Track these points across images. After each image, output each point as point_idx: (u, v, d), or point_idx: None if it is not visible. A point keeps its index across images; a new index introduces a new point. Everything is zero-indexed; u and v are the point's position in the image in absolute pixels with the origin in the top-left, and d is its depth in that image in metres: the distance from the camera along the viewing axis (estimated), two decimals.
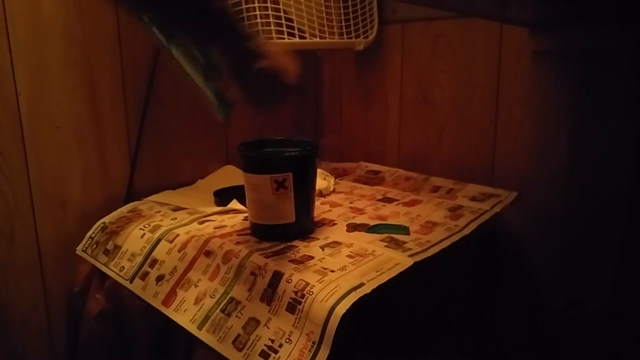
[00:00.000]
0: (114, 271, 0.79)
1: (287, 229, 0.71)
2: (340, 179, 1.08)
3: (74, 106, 0.89)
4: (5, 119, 0.81)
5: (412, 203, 0.89)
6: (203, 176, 1.09)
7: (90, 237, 0.87)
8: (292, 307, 0.57)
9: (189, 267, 0.71)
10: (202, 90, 0.58)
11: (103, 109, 0.92)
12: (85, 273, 0.86)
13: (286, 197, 0.68)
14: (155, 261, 0.75)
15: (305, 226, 0.74)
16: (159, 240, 0.77)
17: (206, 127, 1.09)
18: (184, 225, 0.80)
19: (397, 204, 0.89)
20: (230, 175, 1.08)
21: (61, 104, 0.87)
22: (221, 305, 0.63)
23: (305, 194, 0.71)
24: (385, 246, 0.69)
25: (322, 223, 0.79)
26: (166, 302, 0.69)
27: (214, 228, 0.77)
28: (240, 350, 0.57)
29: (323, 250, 0.68)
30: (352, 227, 0.77)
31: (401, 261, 0.64)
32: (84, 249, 0.86)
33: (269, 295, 0.60)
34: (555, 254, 0.92)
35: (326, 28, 0.98)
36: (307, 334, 0.54)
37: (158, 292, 0.71)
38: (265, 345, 0.56)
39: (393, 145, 1.17)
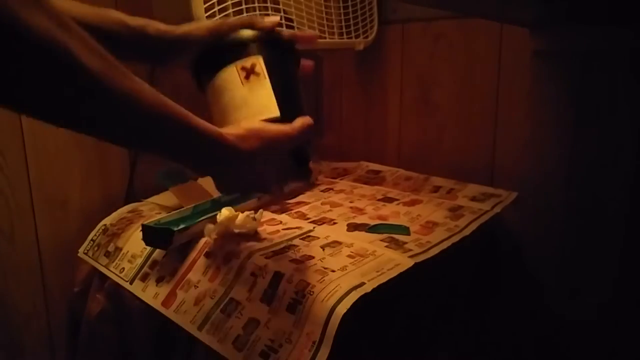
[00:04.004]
0: (114, 273, 0.79)
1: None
2: (341, 179, 1.08)
3: None
4: (5, 119, 0.81)
5: (412, 203, 0.89)
6: (203, 176, 1.09)
7: (91, 239, 0.87)
8: (293, 307, 0.57)
9: (189, 268, 0.71)
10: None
11: None
12: (85, 273, 0.86)
13: (260, 85, 0.54)
14: (155, 262, 0.75)
15: None
16: None
17: None
18: None
19: (398, 204, 0.89)
20: None
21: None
22: (221, 306, 0.63)
23: (285, 81, 0.57)
24: (386, 246, 0.69)
25: (323, 222, 0.79)
26: (166, 303, 0.69)
27: None
28: (240, 350, 0.57)
29: (323, 250, 0.68)
30: (353, 227, 0.77)
31: (401, 262, 0.64)
32: (86, 251, 0.86)
33: (269, 296, 0.60)
34: (556, 254, 0.92)
35: (326, 28, 0.98)
36: (307, 334, 0.54)
37: (158, 293, 0.71)
38: (265, 345, 0.56)
39: (393, 145, 1.17)
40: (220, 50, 0.55)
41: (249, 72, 0.54)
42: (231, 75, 0.54)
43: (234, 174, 0.51)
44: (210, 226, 0.70)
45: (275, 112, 0.53)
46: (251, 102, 0.53)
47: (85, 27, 0.49)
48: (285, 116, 0.53)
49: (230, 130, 0.48)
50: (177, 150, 0.45)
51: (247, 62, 0.54)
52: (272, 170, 0.52)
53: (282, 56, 0.57)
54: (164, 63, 0.59)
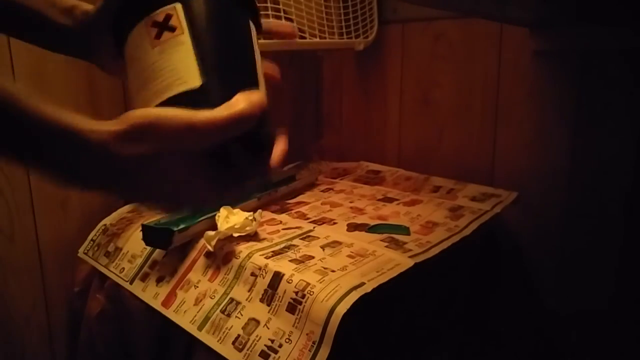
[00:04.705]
0: (114, 273, 0.79)
1: (191, 101, 0.33)
2: (341, 179, 1.08)
3: (73, 106, 0.89)
4: None
5: (412, 203, 0.89)
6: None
7: (92, 239, 0.87)
8: (293, 307, 0.57)
9: (189, 268, 0.71)
10: None
11: (103, 109, 0.93)
12: (85, 273, 0.86)
13: (176, 44, 0.35)
14: (155, 262, 0.75)
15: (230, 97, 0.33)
16: None
17: None
18: None
19: (398, 204, 0.89)
20: None
21: (61, 103, 0.87)
22: (221, 306, 0.63)
23: (220, 37, 0.37)
24: (386, 246, 0.69)
25: (323, 222, 0.79)
26: (166, 303, 0.69)
27: None
28: (240, 350, 0.57)
29: (323, 250, 0.68)
30: (353, 227, 0.77)
31: (401, 262, 0.64)
32: (86, 251, 0.86)
33: (269, 296, 0.60)
34: (555, 254, 0.92)
35: (326, 28, 0.98)
36: (307, 334, 0.54)
37: (158, 293, 0.71)
38: (265, 345, 0.56)
39: (393, 145, 1.17)
40: (129, 4, 0.38)
41: (162, 28, 0.36)
42: (140, 36, 0.37)
43: (128, 189, 0.33)
44: (210, 233, 0.70)
45: (194, 81, 0.34)
46: (161, 70, 0.35)
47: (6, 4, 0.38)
48: (215, 87, 0.34)
49: (106, 126, 0.31)
50: (8, 147, 0.30)
51: (160, 14, 0.36)
52: (191, 176, 0.33)
53: (215, 3, 0.38)
54: (98, 59, 0.43)
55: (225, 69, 0.35)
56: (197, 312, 0.64)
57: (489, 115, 0.99)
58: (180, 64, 0.35)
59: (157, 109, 0.32)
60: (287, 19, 0.90)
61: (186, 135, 0.30)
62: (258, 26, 0.40)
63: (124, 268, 0.78)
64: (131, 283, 0.75)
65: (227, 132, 0.31)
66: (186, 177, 0.32)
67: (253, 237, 0.72)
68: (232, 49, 0.37)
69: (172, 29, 0.36)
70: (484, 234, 0.79)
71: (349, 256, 0.66)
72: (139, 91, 0.36)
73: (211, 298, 0.65)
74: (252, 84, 0.35)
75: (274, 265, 0.62)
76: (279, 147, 0.37)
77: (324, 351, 0.52)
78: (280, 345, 0.55)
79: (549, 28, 0.87)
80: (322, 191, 0.99)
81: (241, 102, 0.31)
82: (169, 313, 0.67)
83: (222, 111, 0.31)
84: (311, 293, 0.56)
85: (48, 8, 0.41)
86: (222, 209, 0.74)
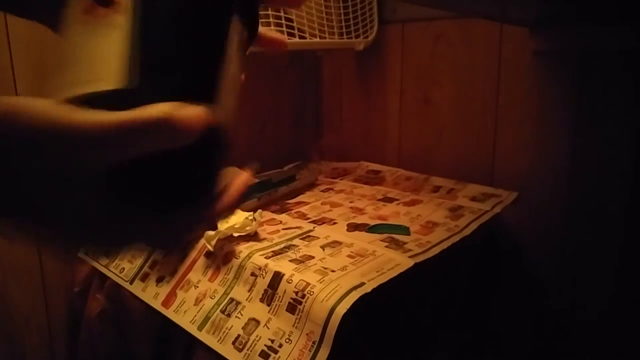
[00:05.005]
0: (114, 273, 0.79)
1: (102, 105, 0.22)
2: (341, 179, 1.08)
3: None
4: None
5: (412, 203, 0.89)
6: None
7: None
8: (293, 307, 0.57)
9: (189, 268, 0.71)
10: None
11: None
12: (85, 273, 0.86)
13: (108, 26, 0.25)
14: (155, 262, 0.75)
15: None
16: None
17: None
18: None
19: (398, 204, 0.89)
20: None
21: None
22: (221, 306, 0.63)
23: (178, 34, 0.25)
24: (386, 246, 0.69)
25: (323, 222, 0.79)
26: (166, 303, 0.69)
27: None
28: (240, 350, 0.57)
29: (323, 250, 0.68)
30: (353, 227, 0.77)
31: (401, 262, 0.64)
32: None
33: (269, 296, 0.60)
34: (555, 254, 0.92)
35: (326, 28, 0.98)
36: (307, 334, 0.54)
37: (158, 293, 0.71)
38: (265, 345, 0.56)
39: (393, 145, 1.17)
40: None
41: (98, 3, 0.26)
42: (72, 6, 0.27)
43: None
44: (209, 233, 0.70)
45: (112, 81, 0.24)
46: (77, 57, 0.26)
47: None
48: (141, 93, 0.24)
49: None
50: None
51: None
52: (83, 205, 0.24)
53: None
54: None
55: (166, 73, 0.26)
56: (197, 312, 0.64)
57: (489, 115, 0.99)
58: (102, 53, 0.25)
59: (21, 98, 0.23)
60: (287, 18, 0.90)
61: (51, 136, 0.22)
62: (251, 32, 0.31)
63: (124, 268, 0.78)
64: (131, 283, 0.75)
65: (124, 144, 0.22)
66: (79, 205, 0.24)
67: (253, 237, 0.72)
68: (192, 51, 0.27)
69: (109, 4, 0.26)
70: (484, 234, 0.79)
71: (349, 256, 0.66)
72: (49, 79, 0.27)
73: (211, 298, 0.65)
74: (204, 98, 0.25)
75: (274, 265, 0.62)
76: (241, 179, 0.29)
77: (324, 351, 0.52)
78: (280, 345, 0.55)
79: (549, 28, 0.87)
80: (322, 191, 0.99)
81: (161, 108, 0.22)
82: (169, 313, 0.67)
83: (122, 114, 0.22)
84: (311, 293, 0.57)
85: None
86: None
